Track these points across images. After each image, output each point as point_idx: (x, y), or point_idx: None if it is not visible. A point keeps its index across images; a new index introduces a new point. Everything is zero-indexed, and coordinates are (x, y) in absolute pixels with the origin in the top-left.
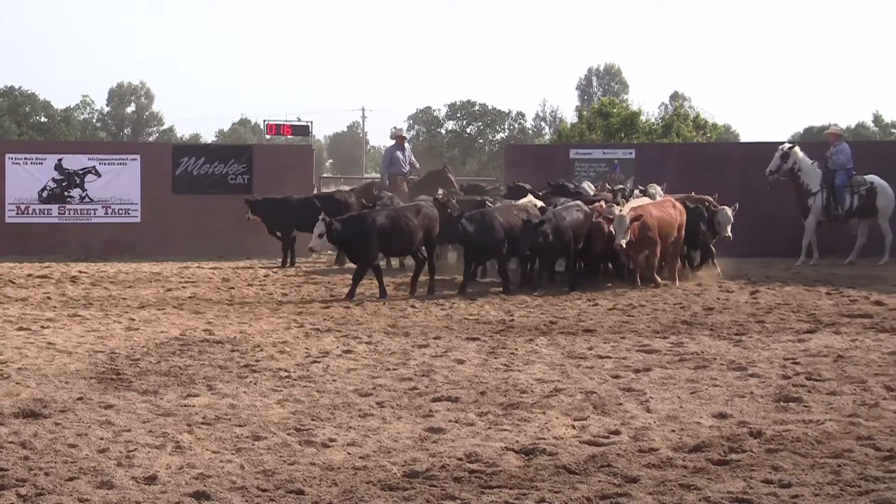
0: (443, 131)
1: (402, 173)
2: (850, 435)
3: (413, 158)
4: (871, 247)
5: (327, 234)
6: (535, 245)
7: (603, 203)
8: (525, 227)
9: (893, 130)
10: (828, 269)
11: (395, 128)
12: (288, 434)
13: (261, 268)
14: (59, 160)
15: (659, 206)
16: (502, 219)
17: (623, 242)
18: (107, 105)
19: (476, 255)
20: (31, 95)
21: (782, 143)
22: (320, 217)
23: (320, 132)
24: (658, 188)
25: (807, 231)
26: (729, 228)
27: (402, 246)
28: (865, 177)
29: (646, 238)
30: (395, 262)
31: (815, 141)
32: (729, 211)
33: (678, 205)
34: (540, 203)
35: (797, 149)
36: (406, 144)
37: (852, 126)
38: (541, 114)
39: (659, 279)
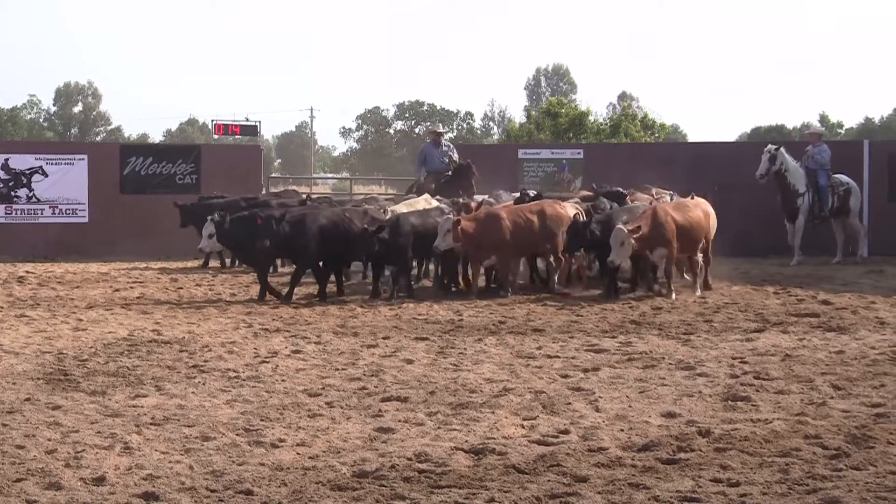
0: (391, 131)
1: (437, 171)
2: (798, 434)
3: (454, 155)
4: (824, 246)
5: (217, 234)
6: (372, 251)
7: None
8: (361, 233)
9: (840, 131)
10: (775, 269)
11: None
12: (237, 434)
13: (209, 268)
14: (6, 160)
15: (516, 209)
16: (327, 222)
17: (441, 246)
18: (54, 105)
19: (296, 259)
20: None
21: (728, 142)
22: (209, 217)
23: (269, 132)
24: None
25: (797, 230)
26: (614, 246)
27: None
28: (840, 177)
29: (488, 241)
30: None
31: (798, 141)
32: (622, 230)
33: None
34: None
35: (783, 149)
36: (444, 140)
37: (798, 126)
38: (489, 114)
39: (510, 286)
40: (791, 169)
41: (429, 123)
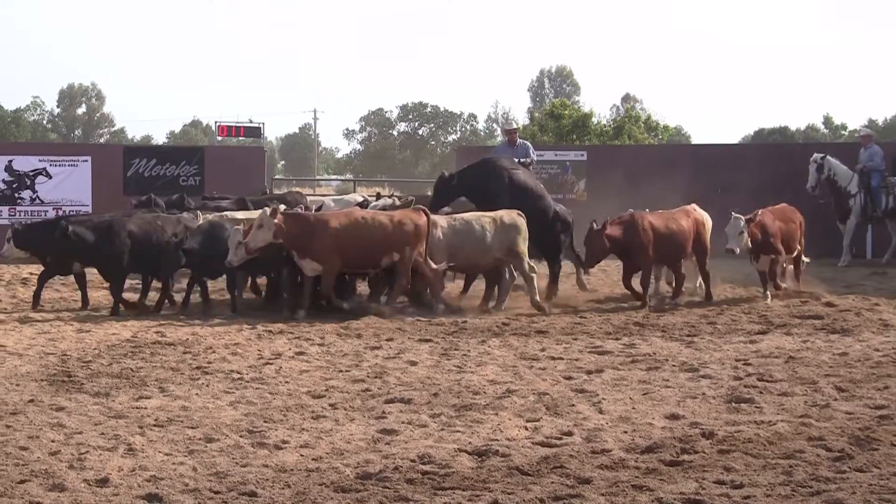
0: (395, 133)
1: None
2: (802, 436)
3: (532, 155)
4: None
5: (14, 239)
6: (177, 266)
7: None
8: (167, 245)
9: (843, 132)
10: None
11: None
12: (240, 436)
13: None
14: (10, 162)
15: (341, 214)
16: (136, 229)
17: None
18: (57, 106)
19: (101, 270)
20: None
21: (732, 143)
22: (13, 224)
23: (272, 134)
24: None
25: (848, 231)
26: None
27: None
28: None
29: (314, 249)
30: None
31: (850, 142)
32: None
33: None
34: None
35: (829, 157)
36: (520, 140)
37: (802, 128)
38: (493, 115)
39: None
40: (840, 173)
41: (432, 125)
